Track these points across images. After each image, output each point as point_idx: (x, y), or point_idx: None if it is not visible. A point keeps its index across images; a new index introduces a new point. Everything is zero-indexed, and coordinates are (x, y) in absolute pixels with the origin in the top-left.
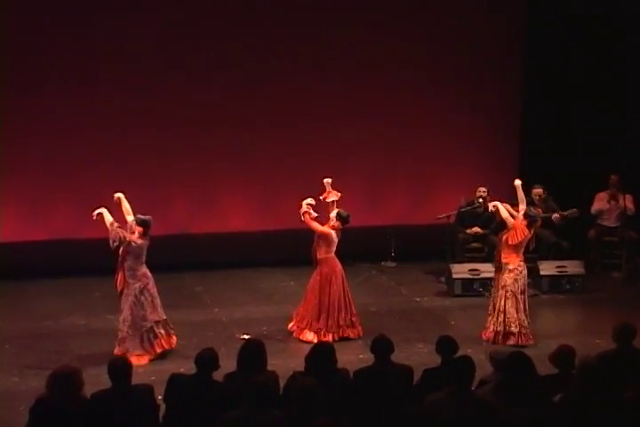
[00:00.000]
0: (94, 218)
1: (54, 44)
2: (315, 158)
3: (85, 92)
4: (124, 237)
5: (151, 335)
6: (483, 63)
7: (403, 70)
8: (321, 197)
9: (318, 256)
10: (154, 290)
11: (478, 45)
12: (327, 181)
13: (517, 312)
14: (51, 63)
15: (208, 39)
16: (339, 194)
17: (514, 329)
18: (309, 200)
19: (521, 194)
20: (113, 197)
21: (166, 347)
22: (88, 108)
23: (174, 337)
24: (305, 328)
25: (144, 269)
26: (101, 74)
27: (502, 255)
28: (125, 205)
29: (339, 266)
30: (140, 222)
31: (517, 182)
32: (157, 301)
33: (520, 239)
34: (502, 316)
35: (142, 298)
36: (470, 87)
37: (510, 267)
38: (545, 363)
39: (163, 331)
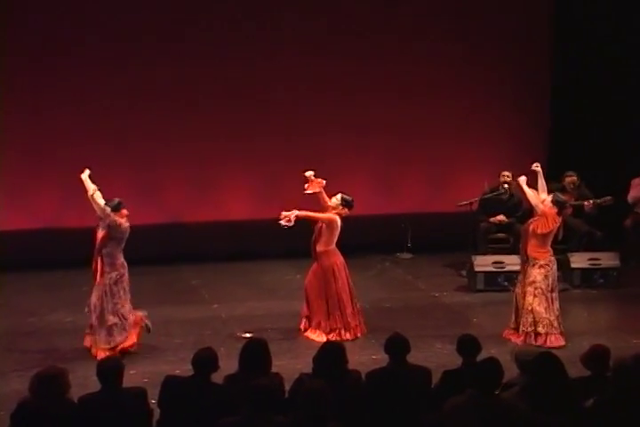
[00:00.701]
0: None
1: (49, 19)
2: (324, 139)
3: (73, 66)
4: (115, 221)
5: (127, 328)
6: (511, 39)
7: (422, 44)
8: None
9: (318, 249)
10: (127, 282)
11: (506, 21)
12: (309, 174)
13: (546, 312)
14: (40, 35)
15: (207, 14)
16: (323, 182)
17: (541, 330)
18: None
19: (542, 182)
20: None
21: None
22: (75, 83)
23: None
24: (316, 328)
25: (122, 259)
26: (93, 48)
27: (529, 247)
28: (92, 186)
29: (340, 258)
30: (117, 207)
31: (537, 168)
32: (128, 294)
33: (551, 228)
34: (531, 316)
35: (115, 289)
36: (496, 63)
37: (541, 262)
38: (576, 364)
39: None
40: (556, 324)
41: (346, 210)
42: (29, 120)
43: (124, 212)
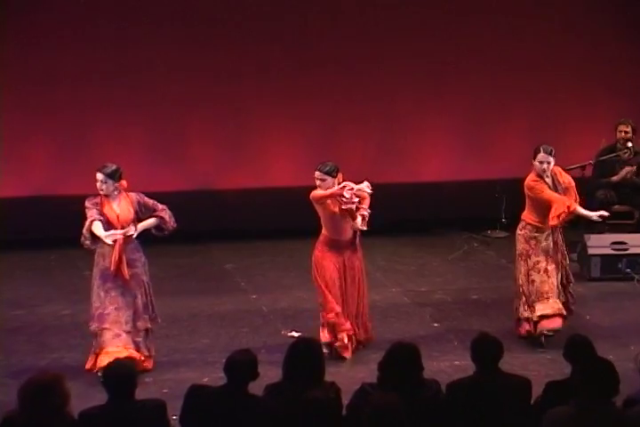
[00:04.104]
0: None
1: None
2: (392, 83)
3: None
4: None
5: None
6: None
7: None
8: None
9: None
10: None
11: None
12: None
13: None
14: None
15: None
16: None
17: None
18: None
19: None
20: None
21: None
22: (82, 22)
23: None
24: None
25: None
26: None
27: None
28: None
29: None
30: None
31: None
32: None
33: None
34: None
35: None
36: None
37: None
38: None
39: None
40: None
41: None
42: (29, 59)
43: (124, 183)
